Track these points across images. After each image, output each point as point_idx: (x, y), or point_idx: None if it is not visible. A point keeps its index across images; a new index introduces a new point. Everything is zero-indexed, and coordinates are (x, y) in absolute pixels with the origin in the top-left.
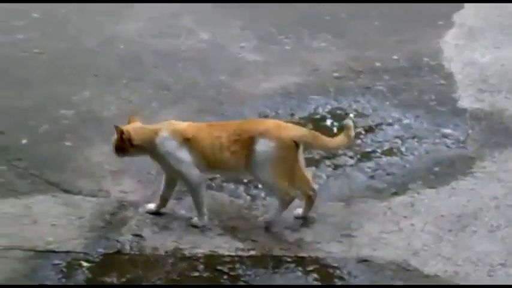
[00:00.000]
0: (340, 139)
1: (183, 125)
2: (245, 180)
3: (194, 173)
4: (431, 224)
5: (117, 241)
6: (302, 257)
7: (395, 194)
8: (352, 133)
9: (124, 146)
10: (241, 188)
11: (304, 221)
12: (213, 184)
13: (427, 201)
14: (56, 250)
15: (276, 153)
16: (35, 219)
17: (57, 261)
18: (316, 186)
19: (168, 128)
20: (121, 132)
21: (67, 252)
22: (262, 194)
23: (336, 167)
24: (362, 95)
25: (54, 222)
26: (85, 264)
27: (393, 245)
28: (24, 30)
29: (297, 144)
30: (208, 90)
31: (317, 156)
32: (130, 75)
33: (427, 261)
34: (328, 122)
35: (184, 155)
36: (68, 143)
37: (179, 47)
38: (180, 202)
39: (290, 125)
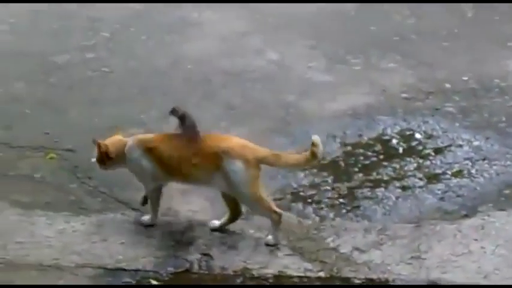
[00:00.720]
0: (303, 157)
1: (148, 136)
2: (314, 201)
3: (149, 185)
4: (502, 247)
5: (186, 260)
6: (371, 279)
7: (466, 216)
8: (319, 150)
9: (103, 159)
10: (310, 209)
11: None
12: (282, 204)
13: (498, 224)
14: (126, 268)
15: (248, 173)
16: (105, 237)
17: (127, 279)
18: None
19: (134, 138)
20: (99, 146)
21: (137, 270)
22: (331, 215)
23: (405, 188)
24: (431, 116)
25: (123, 240)
26: (155, 282)
27: (463, 267)
28: (94, 49)
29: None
30: (276, 110)
31: (386, 177)
32: (198, 94)
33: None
34: (395, 142)
35: (145, 163)
36: None
37: (247, 67)
38: (248, 221)
39: (252, 144)
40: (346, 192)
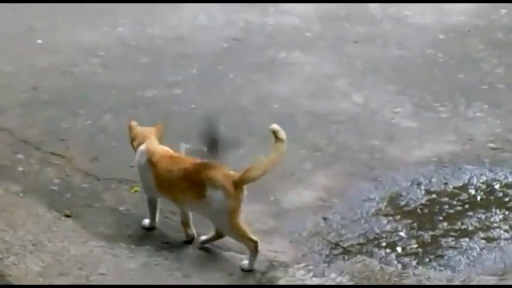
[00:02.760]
0: (273, 156)
1: (157, 148)
2: (397, 248)
3: (147, 192)
4: None
5: None
6: None
7: None
8: (281, 134)
9: (131, 141)
10: (393, 256)
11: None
12: (364, 249)
13: None
14: None
15: (228, 203)
16: (187, 273)
17: None
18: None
19: (147, 145)
20: (129, 128)
21: None
22: (414, 263)
23: (490, 239)
24: None
25: (205, 277)
26: None
27: None
28: (183, 85)
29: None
30: (361, 154)
31: (470, 228)
32: None
33: None
34: (481, 193)
35: (147, 173)
36: None
37: (333, 109)
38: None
39: (232, 172)
40: (429, 240)
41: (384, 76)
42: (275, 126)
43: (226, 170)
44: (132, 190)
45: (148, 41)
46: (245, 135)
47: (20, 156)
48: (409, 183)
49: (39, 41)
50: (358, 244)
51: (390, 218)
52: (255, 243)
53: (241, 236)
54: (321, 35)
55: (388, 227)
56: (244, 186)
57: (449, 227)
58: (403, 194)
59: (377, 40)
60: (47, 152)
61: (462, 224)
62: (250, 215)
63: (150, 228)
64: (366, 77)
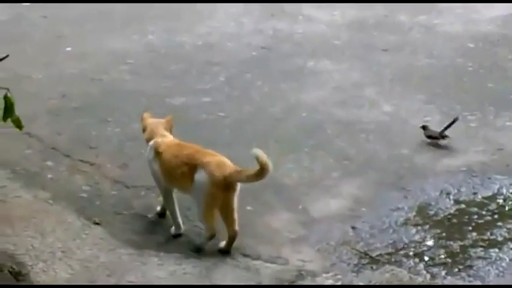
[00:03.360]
0: (254, 171)
1: (164, 139)
2: (426, 258)
3: (161, 183)
4: None
5: None
6: None
7: None
8: (263, 161)
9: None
10: (421, 266)
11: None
12: (393, 259)
13: None
14: None
15: (208, 188)
16: (214, 280)
17: None
18: (237, 229)
19: (156, 139)
20: (141, 119)
21: None
22: (443, 273)
23: None
24: None
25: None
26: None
27: None
28: (211, 93)
29: (231, 185)
30: (390, 164)
31: (500, 238)
32: (312, 143)
33: None
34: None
35: (155, 165)
36: (249, 207)
37: (362, 118)
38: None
39: (228, 163)
40: (458, 250)
41: (412, 85)
42: (256, 152)
43: (223, 160)
44: (160, 198)
45: (177, 48)
46: (273, 143)
47: (49, 163)
48: (437, 193)
49: (69, 49)
50: (387, 254)
51: (419, 227)
52: (213, 235)
53: (208, 224)
54: (349, 44)
55: (416, 237)
56: (237, 184)
57: (478, 237)
58: (432, 203)
59: (406, 49)
60: (76, 159)
61: (491, 234)
62: (278, 224)
63: (177, 235)
64: (395, 85)
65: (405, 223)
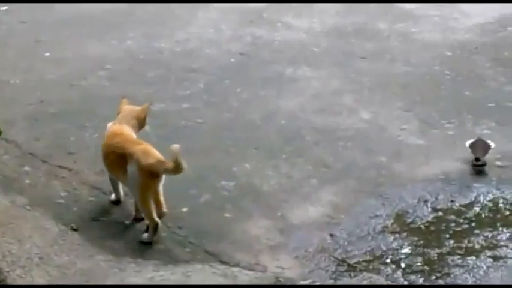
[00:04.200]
0: (169, 165)
1: (115, 126)
2: (403, 265)
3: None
4: None
5: None
6: None
7: None
8: (178, 158)
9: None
10: (399, 273)
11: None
12: (370, 266)
13: None
14: None
15: (140, 179)
16: None
17: None
18: (165, 210)
19: (110, 126)
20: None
21: None
22: (421, 280)
23: (496, 258)
24: None
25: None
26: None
27: None
28: (190, 99)
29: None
30: (368, 171)
31: (477, 246)
32: (290, 150)
33: None
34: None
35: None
36: (227, 214)
37: (340, 125)
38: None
39: (153, 152)
40: (436, 258)
41: (391, 92)
42: (174, 148)
43: (148, 149)
44: None
45: (156, 54)
46: (252, 149)
47: (26, 168)
48: (415, 201)
49: (47, 54)
50: (365, 261)
51: (397, 235)
52: (156, 224)
53: (146, 213)
54: (328, 51)
55: (394, 244)
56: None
57: (455, 245)
58: (410, 211)
59: (384, 56)
60: (54, 165)
61: (469, 242)
62: (257, 230)
63: (116, 202)
64: (373, 93)
65: (383, 230)
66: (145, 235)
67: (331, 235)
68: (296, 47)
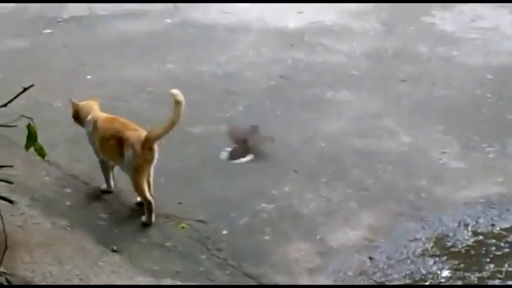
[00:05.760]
0: (170, 119)
1: (101, 114)
2: None
3: (97, 156)
4: None
5: None
6: None
7: None
8: (179, 99)
9: (75, 116)
10: None
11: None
12: None
13: None
14: None
15: (135, 161)
16: None
17: None
18: (152, 194)
19: (93, 113)
20: (72, 105)
21: None
22: None
23: None
24: None
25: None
26: None
27: None
28: (230, 122)
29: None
30: (408, 194)
31: None
32: (330, 173)
33: None
34: None
35: (93, 139)
36: (266, 237)
37: (380, 148)
38: None
39: (143, 133)
40: (476, 282)
41: (431, 116)
42: (174, 91)
43: (140, 132)
44: (179, 226)
45: (196, 77)
46: (291, 172)
47: (68, 190)
48: (456, 224)
49: (89, 77)
50: (404, 284)
51: (436, 258)
52: (149, 203)
53: (140, 193)
54: (368, 74)
55: (434, 268)
56: (155, 149)
57: (496, 269)
58: (450, 234)
59: (424, 79)
60: (94, 187)
61: (509, 266)
62: (296, 253)
63: (107, 192)
64: (414, 116)
65: (423, 254)
66: (143, 217)
67: (371, 258)
68: (336, 70)
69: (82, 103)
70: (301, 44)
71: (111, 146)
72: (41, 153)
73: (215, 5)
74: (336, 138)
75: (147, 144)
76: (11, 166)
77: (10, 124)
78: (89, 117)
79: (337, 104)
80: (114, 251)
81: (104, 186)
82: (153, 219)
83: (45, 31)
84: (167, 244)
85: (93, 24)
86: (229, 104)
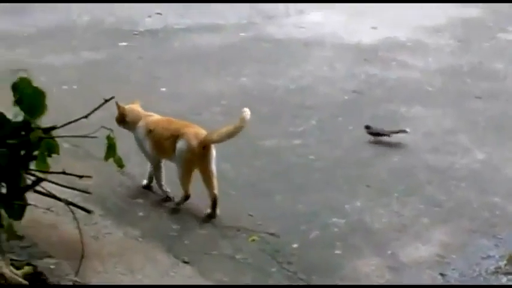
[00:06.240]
0: (233, 126)
1: (152, 117)
2: None
3: (151, 158)
4: None
5: None
6: None
7: None
8: (246, 116)
9: (120, 119)
10: None
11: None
12: None
13: None
14: None
15: (185, 154)
16: None
17: None
18: (216, 192)
19: (144, 120)
20: (118, 107)
21: None
22: None
23: None
24: None
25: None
26: None
27: None
28: (302, 136)
29: (206, 153)
30: (481, 211)
31: None
32: (402, 188)
33: None
34: None
35: (147, 143)
36: (337, 251)
37: (453, 165)
38: None
39: (203, 132)
40: None
41: (506, 133)
42: (246, 110)
43: (199, 130)
44: (250, 239)
45: (269, 91)
46: (363, 187)
47: (140, 200)
48: None
49: (163, 89)
50: (409, 285)
51: (510, 276)
52: (186, 196)
53: (184, 186)
54: (442, 90)
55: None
56: (212, 150)
57: None
58: None
59: (501, 97)
60: (166, 198)
61: None
62: (367, 268)
63: (167, 199)
64: (488, 133)
65: (496, 272)
66: (172, 203)
67: (442, 275)
68: (410, 86)
69: (127, 106)
70: (375, 59)
71: (170, 143)
72: (120, 164)
73: (289, 19)
74: (408, 154)
75: (205, 143)
76: (89, 177)
77: (90, 135)
78: (140, 122)
79: (411, 120)
80: (185, 262)
81: (144, 181)
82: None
83: (120, 44)
84: (238, 256)
85: (169, 38)
86: (302, 118)
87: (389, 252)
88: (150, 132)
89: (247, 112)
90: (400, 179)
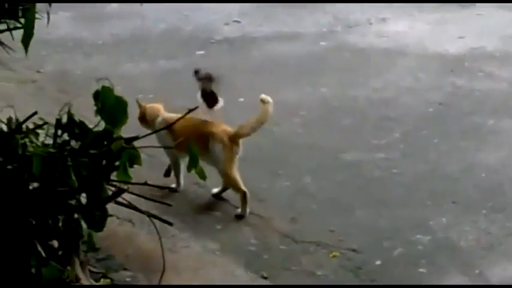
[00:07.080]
0: (257, 117)
1: (170, 115)
2: None
3: (171, 157)
4: None
5: None
6: None
7: None
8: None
9: (142, 119)
10: None
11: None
12: None
13: None
14: None
15: (225, 154)
16: None
17: None
18: (244, 188)
19: (163, 116)
20: (139, 106)
21: None
22: None
23: None
24: None
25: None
26: None
27: None
28: (385, 149)
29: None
30: None
31: None
32: (490, 205)
33: None
34: None
35: (167, 139)
36: (421, 269)
37: None
38: None
39: (229, 129)
40: None
41: None
42: (263, 96)
43: (224, 127)
44: (331, 255)
45: (350, 102)
46: (449, 203)
47: (218, 214)
48: None
49: (241, 99)
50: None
51: None
52: (244, 192)
53: (233, 184)
54: None
55: None
56: (240, 145)
57: None
58: None
59: None
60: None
61: None
62: None
63: (175, 191)
64: None
65: None
66: (238, 210)
67: None
68: (498, 98)
69: (149, 105)
70: (461, 70)
71: (193, 141)
72: (202, 175)
73: (371, 27)
74: (497, 169)
75: (236, 138)
76: (172, 188)
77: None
78: (159, 118)
79: (499, 133)
80: (263, 277)
81: (173, 185)
82: (248, 212)
83: (198, 52)
84: (318, 273)
85: (246, 46)
86: (385, 131)
87: (476, 271)
88: (171, 130)
89: (267, 99)
90: (487, 196)
